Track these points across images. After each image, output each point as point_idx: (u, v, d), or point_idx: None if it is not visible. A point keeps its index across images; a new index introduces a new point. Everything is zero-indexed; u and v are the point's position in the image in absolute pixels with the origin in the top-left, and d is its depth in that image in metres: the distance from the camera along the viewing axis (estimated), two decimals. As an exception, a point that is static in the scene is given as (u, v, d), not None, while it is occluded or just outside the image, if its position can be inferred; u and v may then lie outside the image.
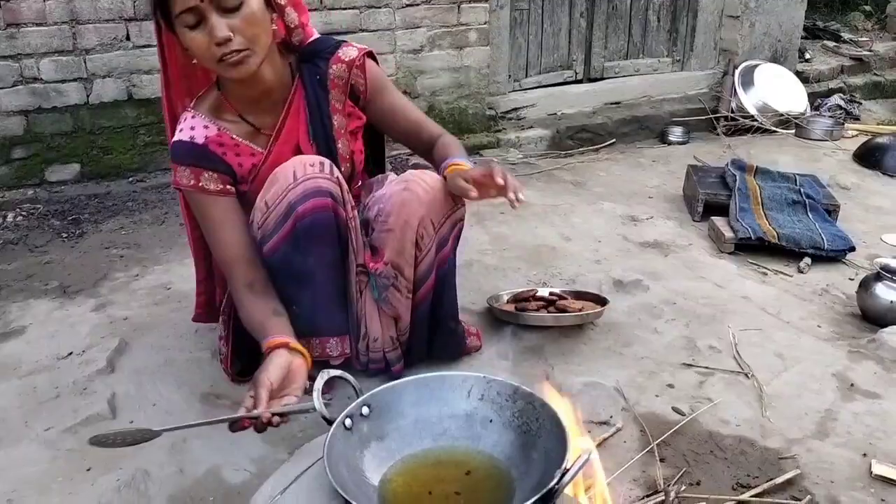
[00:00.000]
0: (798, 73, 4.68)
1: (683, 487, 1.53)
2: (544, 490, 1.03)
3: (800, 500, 1.52)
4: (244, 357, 1.90)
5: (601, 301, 2.21)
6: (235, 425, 1.32)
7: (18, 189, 3.21)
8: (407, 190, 1.68)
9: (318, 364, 1.62)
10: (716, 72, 4.66)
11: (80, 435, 1.73)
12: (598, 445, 1.67)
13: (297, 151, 1.70)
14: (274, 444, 1.70)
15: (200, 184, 1.64)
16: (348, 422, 1.22)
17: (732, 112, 4.37)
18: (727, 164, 3.27)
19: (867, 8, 6.22)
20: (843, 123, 4.34)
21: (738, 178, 3.11)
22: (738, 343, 2.12)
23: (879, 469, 1.60)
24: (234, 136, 1.67)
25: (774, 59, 4.60)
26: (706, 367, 2.01)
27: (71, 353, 2.06)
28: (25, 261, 2.69)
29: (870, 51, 5.27)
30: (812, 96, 4.62)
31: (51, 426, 1.76)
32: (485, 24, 3.84)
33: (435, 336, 1.89)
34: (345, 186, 1.66)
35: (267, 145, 1.70)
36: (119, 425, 1.76)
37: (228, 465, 1.63)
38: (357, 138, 1.81)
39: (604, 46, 4.44)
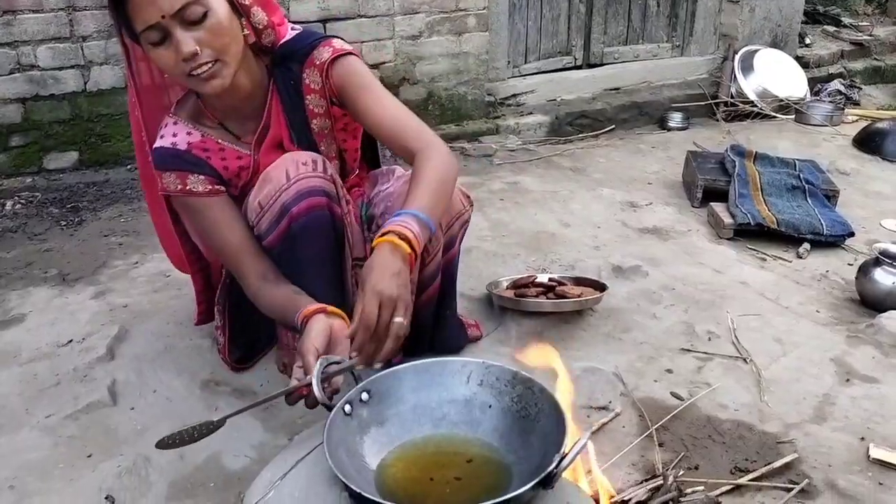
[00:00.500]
0: (798, 59, 4.65)
1: (682, 472, 1.54)
2: (543, 474, 1.04)
3: (798, 483, 1.53)
4: (242, 346, 1.90)
5: (600, 287, 2.21)
6: (290, 397, 1.28)
7: (17, 177, 3.21)
8: None
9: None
10: (715, 57, 4.65)
11: (80, 422, 1.74)
12: (597, 430, 1.69)
13: (283, 153, 1.64)
14: (274, 431, 1.70)
15: (188, 187, 1.58)
16: (348, 407, 1.23)
17: (732, 97, 4.35)
18: (726, 150, 3.26)
19: (868, -8, 6.19)
20: (842, 108, 4.32)
21: (737, 163, 3.10)
22: (737, 328, 2.13)
23: (877, 453, 1.61)
24: (220, 141, 1.61)
25: (774, 44, 4.58)
26: (705, 353, 2.02)
27: (71, 341, 2.06)
28: (24, 249, 2.69)
29: (870, 35, 5.24)
30: (812, 81, 4.60)
31: (52, 413, 1.77)
32: (484, 9, 3.81)
33: (436, 332, 1.87)
34: (339, 182, 1.63)
35: (251, 149, 1.64)
36: (120, 413, 1.77)
37: (228, 451, 1.64)
38: (354, 135, 1.75)
39: (603, 32, 4.42)
